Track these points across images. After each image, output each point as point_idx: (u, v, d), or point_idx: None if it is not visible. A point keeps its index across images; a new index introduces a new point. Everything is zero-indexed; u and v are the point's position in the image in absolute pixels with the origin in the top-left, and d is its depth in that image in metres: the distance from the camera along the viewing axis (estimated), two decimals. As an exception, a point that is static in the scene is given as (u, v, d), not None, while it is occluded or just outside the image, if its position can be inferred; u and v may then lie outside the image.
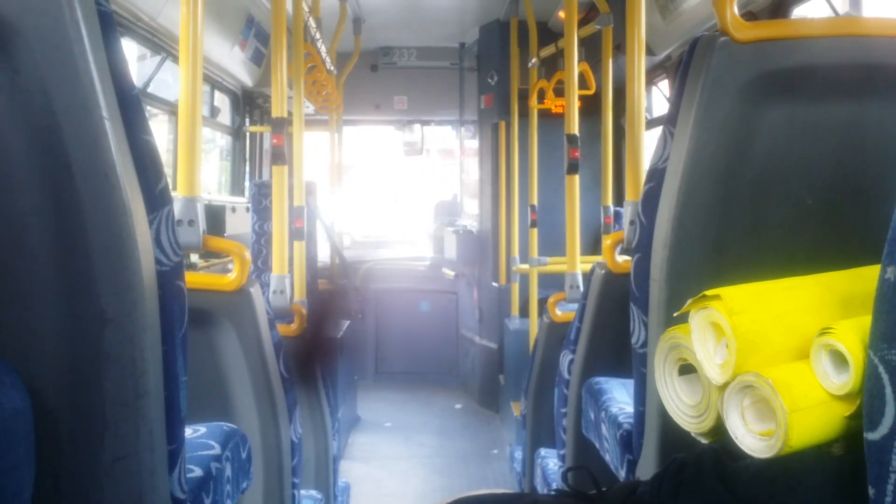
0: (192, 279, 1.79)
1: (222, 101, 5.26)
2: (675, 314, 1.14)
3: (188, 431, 1.53)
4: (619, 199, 4.45)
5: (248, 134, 5.64)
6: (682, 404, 1.14)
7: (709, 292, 1.05)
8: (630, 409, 1.82)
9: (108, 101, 1.04)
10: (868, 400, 0.73)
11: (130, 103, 1.10)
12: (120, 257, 1.04)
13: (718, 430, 1.08)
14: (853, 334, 0.91)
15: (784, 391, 0.93)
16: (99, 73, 1.02)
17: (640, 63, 2.50)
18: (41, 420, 1.01)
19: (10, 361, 1.00)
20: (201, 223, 1.88)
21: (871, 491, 0.73)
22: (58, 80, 1.00)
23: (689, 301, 1.08)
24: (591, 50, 4.32)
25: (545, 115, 4.94)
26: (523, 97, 5.03)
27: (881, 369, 0.71)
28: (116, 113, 1.06)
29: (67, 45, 1.00)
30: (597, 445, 2.06)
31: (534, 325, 4.50)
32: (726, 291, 1.04)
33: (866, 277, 1.01)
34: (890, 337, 0.70)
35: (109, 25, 1.07)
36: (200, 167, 1.93)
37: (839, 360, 0.93)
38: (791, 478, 1.00)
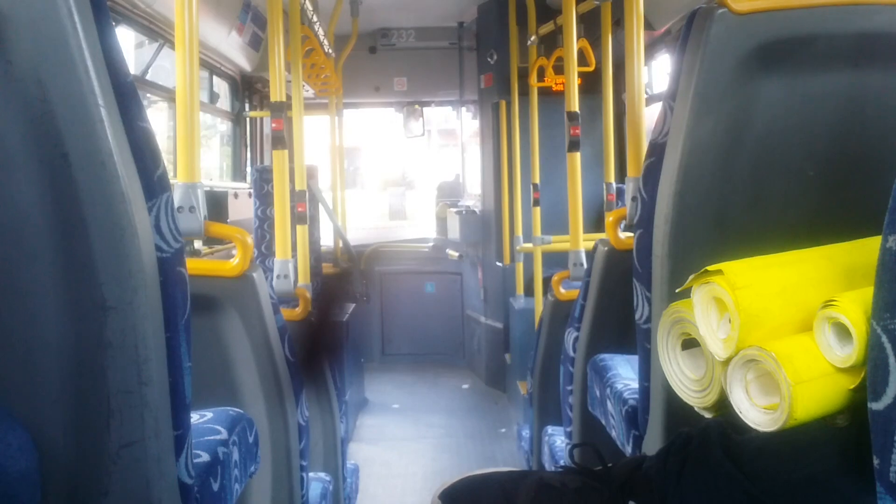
0: (194, 265, 1.80)
1: (221, 86, 5.24)
2: (677, 290, 1.14)
3: (194, 417, 1.53)
4: (621, 175, 4.43)
5: (247, 119, 5.62)
6: (685, 379, 1.14)
7: (711, 267, 1.05)
8: (635, 384, 1.82)
9: (104, 90, 1.03)
10: (872, 370, 0.73)
11: (126, 91, 1.09)
12: (119, 245, 1.03)
13: (722, 405, 1.08)
14: (856, 306, 0.91)
15: (787, 364, 0.93)
16: (93, 62, 1.01)
17: (639, 38, 2.48)
18: (44, 409, 1.02)
19: (13, 357, 1.01)
20: (202, 209, 1.88)
21: (875, 461, 0.73)
22: (52, 70, 0.99)
23: (691, 276, 1.08)
24: (590, 26, 4.29)
25: (545, 93, 4.91)
26: (523, 76, 5.00)
27: (884, 339, 0.70)
28: (112, 101, 1.05)
29: (61, 34, 0.99)
30: (603, 422, 2.06)
31: (539, 304, 4.50)
32: (728, 266, 1.04)
33: (868, 248, 1.00)
34: (893, 306, 0.70)
35: (103, 13, 1.06)
36: (200, 153, 1.92)
37: (843, 332, 0.93)
38: (796, 450, 1.00)
